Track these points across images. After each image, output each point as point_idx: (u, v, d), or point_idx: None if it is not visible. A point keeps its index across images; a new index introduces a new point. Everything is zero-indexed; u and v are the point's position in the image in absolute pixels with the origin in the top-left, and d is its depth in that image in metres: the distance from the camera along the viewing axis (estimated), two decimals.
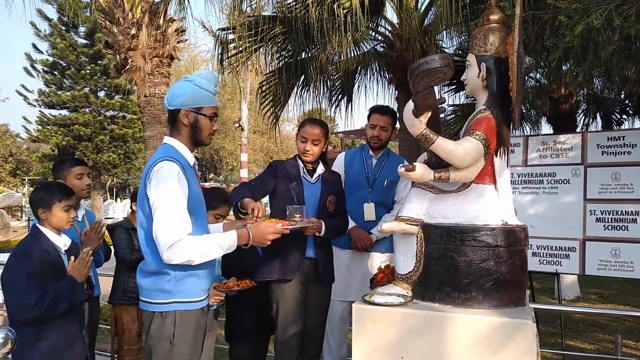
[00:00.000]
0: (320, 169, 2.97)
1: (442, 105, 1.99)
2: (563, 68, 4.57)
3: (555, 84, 7.28)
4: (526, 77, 5.87)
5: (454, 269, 1.98)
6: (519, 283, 2.02)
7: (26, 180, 27.39)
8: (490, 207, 2.05)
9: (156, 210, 2.00)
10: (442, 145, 1.96)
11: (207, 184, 26.53)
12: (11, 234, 15.23)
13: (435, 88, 1.92)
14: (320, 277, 2.89)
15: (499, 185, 2.09)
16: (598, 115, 9.57)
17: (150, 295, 2.10)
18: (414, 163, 2.01)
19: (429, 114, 1.94)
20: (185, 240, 1.98)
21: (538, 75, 7.64)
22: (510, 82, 2.03)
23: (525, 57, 2.18)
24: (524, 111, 8.73)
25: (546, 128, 9.12)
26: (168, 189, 2.00)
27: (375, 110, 3.45)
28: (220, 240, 2.09)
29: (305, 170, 2.93)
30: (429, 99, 1.86)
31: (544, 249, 4.58)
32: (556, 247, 4.52)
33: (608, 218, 4.35)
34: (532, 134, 8.15)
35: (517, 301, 2.00)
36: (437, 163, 2.09)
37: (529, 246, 4.50)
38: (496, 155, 2.08)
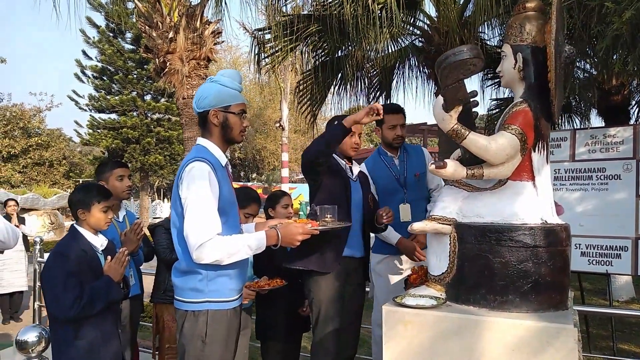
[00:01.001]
0: (357, 167, 2.96)
1: (474, 99, 1.90)
2: (613, 57, 4.32)
3: (604, 74, 6.93)
4: (571, 67, 5.61)
5: (489, 270, 1.89)
6: (560, 285, 1.90)
7: (80, 182, 28.61)
8: (528, 205, 1.94)
9: (187, 210, 2.03)
10: (474, 141, 1.87)
11: (249, 184, 26.92)
12: (65, 233, 15.93)
13: (470, 81, 1.84)
14: (364, 276, 2.88)
15: (537, 182, 1.98)
16: None
17: (183, 294, 2.14)
18: (445, 160, 1.93)
19: (460, 108, 1.86)
20: (215, 240, 1.99)
21: (587, 66, 7.29)
22: (549, 72, 1.92)
23: (566, 46, 2.06)
24: (573, 103, 8.36)
25: (597, 121, 8.69)
26: (199, 189, 2.02)
27: (389, 111, 3.26)
28: (249, 241, 2.09)
29: (347, 167, 2.89)
30: (459, 93, 1.78)
31: (594, 249, 4.36)
32: (606, 246, 4.29)
33: None
34: (581, 127, 7.79)
35: (558, 305, 1.89)
36: (472, 159, 2.00)
37: (577, 246, 4.34)
38: (534, 151, 1.97)
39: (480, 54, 1.69)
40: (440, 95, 1.87)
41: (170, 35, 5.16)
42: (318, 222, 2.33)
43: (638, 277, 6.76)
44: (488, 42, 6.84)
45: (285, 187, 19.08)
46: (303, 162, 2.71)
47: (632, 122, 8.37)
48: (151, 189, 29.66)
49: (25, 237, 7.15)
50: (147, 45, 5.47)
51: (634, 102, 8.82)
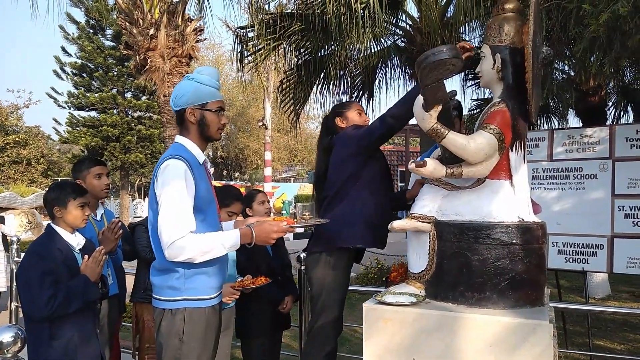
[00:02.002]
0: None
1: (454, 98, 1.92)
2: (590, 59, 4.40)
3: (582, 76, 7.06)
4: (550, 69, 5.69)
5: (468, 267, 1.92)
6: (536, 282, 1.94)
7: (58, 180, 28.14)
8: (505, 203, 1.97)
9: (161, 207, 2.01)
10: (453, 140, 1.89)
11: (232, 183, 26.79)
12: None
13: (451, 81, 1.86)
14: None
15: (515, 180, 2.01)
16: (629, 107, 9.25)
17: (160, 293, 2.11)
18: (425, 159, 1.95)
19: (440, 107, 1.88)
20: (187, 238, 1.97)
21: (565, 67, 7.42)
22: (526, 73, 1.95)
23: (543, 47, 2.10)
24: (551, 104, 8.49)
25: (575, 122, 8.85)
26: (173, 187, 2.01)
27: None
28: (222, 239, 2.07)
29: None
30: (439, 93, 1.80)
31: (571, 247, 4.43)
32: (583, 244, 4.36)
33: (637, 214, 4.18)
34: (559, 127, 7.92)
35: (535, 301, 1.93)
36: (451, 158, 2.03)
37: (554, 244, 4.42)
38: (512, 150, 2.00)
39: (459, 54, 1.71)
40: (420, 95, 1.89)
41: (151, 32, 5.11)
42: (294, 220, 2.32)
43: (614, 275, 6.91)
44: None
45: (268, 186, 19.05)
46: (381, 135, 2.59)
47: (609, 122, 8.54)
48: (132, 188, 29.31)
49: (4, 237, 7.00)
50: (128, 42, 5.40)
51: (610, 103, 9.01)
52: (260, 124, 19.87)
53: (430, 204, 2.07)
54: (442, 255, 2.01)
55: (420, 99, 1.90)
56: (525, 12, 2.13)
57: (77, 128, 20.49)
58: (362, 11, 5.00)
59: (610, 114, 9.15)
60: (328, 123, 2.96)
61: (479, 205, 1.98)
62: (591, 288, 6.93)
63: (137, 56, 5.27)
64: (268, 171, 19.92)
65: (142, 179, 31.30)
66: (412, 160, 1.96)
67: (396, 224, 2.05)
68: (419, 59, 1.71)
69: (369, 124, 2.75)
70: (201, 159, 2.20)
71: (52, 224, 2.52)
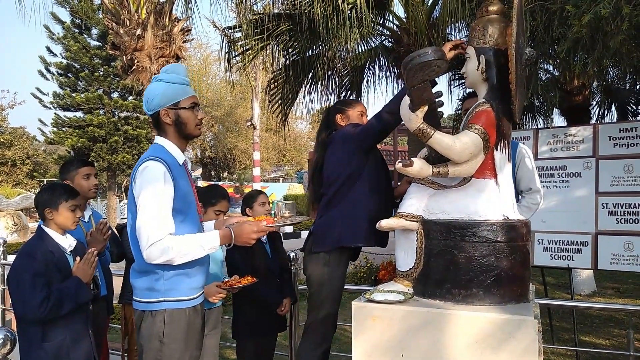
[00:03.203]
0: None
1: (439, 99, 1.96)
2: (574, 59, 4.48)
3: (566, 75, 7.16)
4: (535, 69, 5.76)
5: (454, 265, 1.95)
6: (521, 279, 1.98)
7: (43, 182, 27.81)
8: (490, 201, 2.01)
9: (139, 209, 1.99)
10: (439, 140, 1.93)
11: (220, 183, 26.69)
12: (29, 235, 15.47)
13: (438, 81, 1.88)
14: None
15: (499, 179, 2.05)
16: (613, 106, 9.39)
17: (140, 295, 2.10)
18: (412, 158, 1.98)
19: (426, 108, 1.91)
20: (165, 240, 1.96)
21: (550, 67, 7.52)
22: (510, 74, 1.99)
23: (526, 49, 2.14)
24: (536, 104, 8.60)
25: (559, 121, 8.99)
26: (151, 189, 1.99)
27: (468, 96, 3.20)
28: (201, 241, 2.05)
29: None
30: (424, 93, 1.83)
31: (556, 244, 4.51)
32: (568, 241, 4.44)
33: (621, 211, 4.27)
34: (544, 126, 8.03)
35: (519, 297, 1.97)
36: (437, 158, 2.06)
37: (540, 241, 4.48)
38: (496, 149, 2.04)
39: (444, 56, 1.74)
40: (406, 95, 1.92)
41: (138, 32, 5.09)
42: (274, 219, 2.33)
43: (599, 272, 7.02)
44: None
45: (257, 186, 18.99)
46: (379, 132, 2.59)
47: (593, 121, 8.67)
48: (119, 189, 29.05)
49: None
50: (114, 42, 5.37)
51: (594, 103, 9.14)
52: (249, 123, 19.81)
53: (417, 203, 2.11)
54: (429, 253, 2.04)
55: (406, 100, 1.93)
56: (508, 13, 2.18)
57: (63, 129, 20.27)
58: (349, 11, 5.03)
59: (595, 113, 9.30)
60: (329, 117, 2.94)
61: (464, 204, 2.02)
62: (577, 285, 7.04)
63: (124, 56, 5.24)
64: (257, 171, 19.86)
65: (129, 179, 31.04)
66: (399, 160, 1.99)
67: (384, 222, 2.08)
68: (405, 60, 1.74)
69: (366, 122, 2.75)
70: (181, 160, 2.18)
71: (42, 226, 2.51)
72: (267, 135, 28.38)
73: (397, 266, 2.17)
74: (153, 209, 1.97)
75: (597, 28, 3.69)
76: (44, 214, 2.47)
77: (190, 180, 2.26)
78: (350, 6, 5.07)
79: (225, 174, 32.91)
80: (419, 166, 1.96)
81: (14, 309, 2.42)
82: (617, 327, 5.82)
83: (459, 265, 1.94)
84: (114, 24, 5.18)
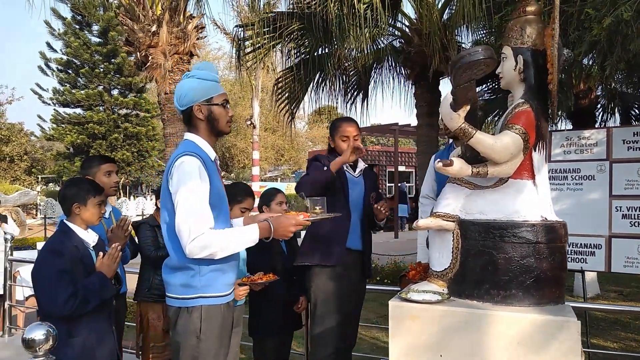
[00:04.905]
0: (362, 164, 3.02)
1: (481, 98, 1.95)
2: (590, 63, 4.49)
3: (573, 78, 7.18)
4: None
5: (493, 265, 1.95)
6: (559, 280, 1.97)
7: (40, 178, 27.67)
8: (529, 202, 2.00)
9: (178, 204, 2.00)
10: (481, 140, 1.92)
11: None
12: (27, 232, 15.39)
13: None
14: (363, 270, 2.93)
15: (537, 180, 2.04)
16: (617, 111, 9.42)
17: (175, 291, 2.10)
18: (452, 158, 1.97)
19: (468, 107, 1.90)
20: (207, 234, 1.97)
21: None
22: (550, 74, 1.99)
23: (564, 49, 2.13)
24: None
25: (564, 124, 8.99)
26: (189, 184, 2.00)
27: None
28: (242, 234, 2.07)
29: (347, 165, 2.95)
30: (470, 92, 1.82)
31: (569, 247, 4.50)
32: (581, 244, 4.45)
33: (634, 214, 4.27)
34: (552, 129, 8.03)
35: (557, 299, 1.96)
36: (473, 158, 2.05)
37: None
38: (535, 150, 2.03)
39: (494, 55, 1.74)
40: (449, 94, 1.91)
41: (153, 28, 5.07)
42: (309, 214, 2.33)
43: (602, 275, 7.04)
44: (463, 45, 7.00)
45: (256, 185, 18.95)
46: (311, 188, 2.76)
47: (597, 125, 8.70)
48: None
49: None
50: (128, 38, 5.35)
51: (599, 106, 9.17)
52: (248, 123, 19.77)
53: (453, 203, 2.10)
54: (466, 254, 2.03)
55: (448, 98, 1.93)
56: (545, 14, 2.18)
57: (63, 125, 20.21)
58: (364, 11, 5.02)
59: (599, 116, 9.32)
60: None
61: (503, 205, 2.01)
62: (580, 287, 7.05)
63: (138, 53, 5.22)
64: (256, 170, 19.83)
65: (127, 177, 30.92)
66: (438, 160, 1.98)
67: (421, 222, 2.07)
68: (454, 58, 1.73)
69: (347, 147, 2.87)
70: (212, 156, 2.19)
71: (66, 221, 2.48)
72: (266, 135, 28.36)
73: (431, 266, 2.16)
74: (192, 203, 1.98)
75: (616, 31, 3.70)
76: (72, 209, 2.45)
77: (221, 176, 2.26)
78: (365, 6, 5.06)
79: (223, 173, 32.85)
80: (459, 166, 1.95)
81: (40, 306, 2.40)
82: (624, 330, 5.85)
83: (498, 266, 1.94)
84: (128, 20, 5.16)
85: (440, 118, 3.31)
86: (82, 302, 2.27)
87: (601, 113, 9.36)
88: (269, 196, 3.20)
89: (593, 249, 4.39)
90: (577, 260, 4.45)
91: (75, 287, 2.27)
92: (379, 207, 2.84)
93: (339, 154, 2.91)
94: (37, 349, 1.58)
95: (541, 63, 2.05)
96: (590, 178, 4.55)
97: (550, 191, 4.67)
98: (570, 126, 8.23)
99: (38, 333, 1.59)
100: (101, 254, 2.46)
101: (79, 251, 2.40)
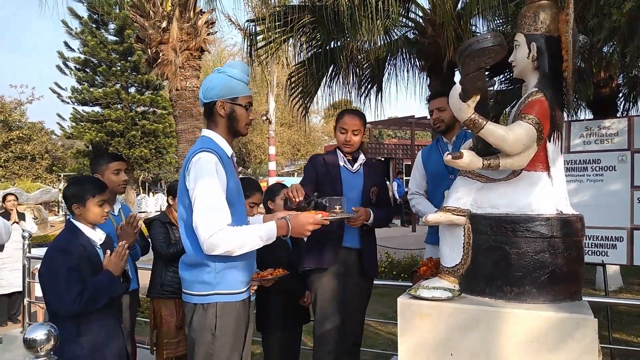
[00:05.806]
0: (362, 158, 2.96)
1: (492, 88, 1.88)
2: (610, 50, 4.35)
3: (593, 67, 6.98)
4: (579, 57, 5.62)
5: (505, 261, 1.88)
6: (575, 275, 1.90)
7: (62, 176, 28.13)
8: (543, 195, 1.93)
9: (196, 201, 2.00)
10: (492, 131, 1.85)
11: None
12: (49, 229, 15.66)
13: None
14: (363, 268, 2.87)
15: (552, 172, 1.97)
16: (639, 99, 9.16)
17: (191, 287, 2.11)
18: (462, 150, 1.90)
19: (478, 97, 1.83)
20: (225, 230, 1.97)
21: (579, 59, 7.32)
22: (565, 62, 1.90)
23: (580, 36, 2.04)
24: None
25: (584, 114, 8.76)
26: (207, 180, 2.00)
27: (432, 97, 3.28)
28: (259, 232, 2.06)
29: (345, 160, 2.91)
30: (479, 82, 1.75)
31: (589, 239, 4.38)
32: (602, 237, 4.32)
33: None
34: (572, 119, 7.84)
35: (574, 295, 1.89)
36: (484, 150, 1.98)
37: None
38: (549, 141, 1.95)
39: (503, 42, 1.66)
40: (458, 84, 1.84)
41: (163, 25, 5.06)
42: (328, 213, 2.30)
43: (626, 268, 6.86)
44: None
45: (272, 180, 19.00)
46: None
47: (619, 114, 8.46)
48: (136, 183, 29.31)
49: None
50: (139, 35, 5.35)
51: (621, 95, 8.91)
52: (264, 118, 19.80)
53: (464, 197, 2.03)
54: (477, 249, 1.96)
55: (457, 89, 1.86)
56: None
57: (81, 123, 20.50)
58: (376, 2, 4.93)
59: (620, 105, 9.07)
60: None
61: (516, 198, 1.94)
62: (602, 281, 6.89)
63: (149, 50, 5.22)
64: (272, 165, 19.87)
65: (146, 174, 31.29)
66: (447, 152, 1.92)
67: (430, 217, 2.01)
68: (462, 47, 1.66)
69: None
70: (229, 153, 2.19)
71: (72, 220, 2.48)
72: (282, 130, 28.38)
73: (442, 262, 2.10)
74: (211, 200, 1.98)
75: (636, 17, 3.57)
76: (72, 209, 2.45)
77: (237, 173, 2.25)
78: None
79: (240, 168, 33.02)
80: (469, 158, 1.89)
81: (48, 304, 2.40)
82: None
83: (511, 262, 1.87)
84: (138, 17, 5.16)
85: (430, 110, 3.27)
86: (90, 300, 2.26)
87: (623, 102, 9.11)
88: (274, 191, 3.20)
89: (614, 241, 4.26)
90: (598, 253, 4.32)
91: (83, 285, 2.26)
92: (355, 211, 2.73)
93: (338, 146, 2.93)
94: (39, 349, 1.56)
95: (555, 50, 1.97)
96: (611, 169, 4.41)
97: (570, 183, 4.59)
98: (590, 116, 8.02)
99: (39, 333, 1.58)
100: (109, 251, 2.45)
101: (86, 250, 2.39)
